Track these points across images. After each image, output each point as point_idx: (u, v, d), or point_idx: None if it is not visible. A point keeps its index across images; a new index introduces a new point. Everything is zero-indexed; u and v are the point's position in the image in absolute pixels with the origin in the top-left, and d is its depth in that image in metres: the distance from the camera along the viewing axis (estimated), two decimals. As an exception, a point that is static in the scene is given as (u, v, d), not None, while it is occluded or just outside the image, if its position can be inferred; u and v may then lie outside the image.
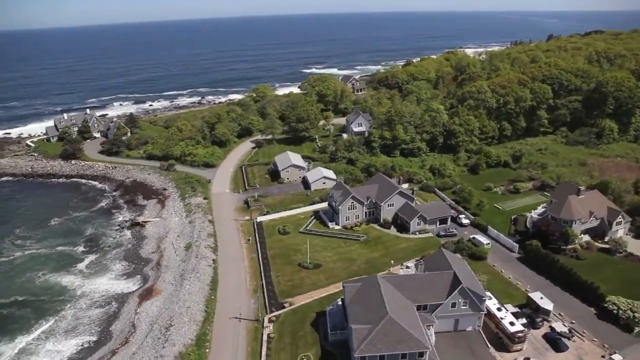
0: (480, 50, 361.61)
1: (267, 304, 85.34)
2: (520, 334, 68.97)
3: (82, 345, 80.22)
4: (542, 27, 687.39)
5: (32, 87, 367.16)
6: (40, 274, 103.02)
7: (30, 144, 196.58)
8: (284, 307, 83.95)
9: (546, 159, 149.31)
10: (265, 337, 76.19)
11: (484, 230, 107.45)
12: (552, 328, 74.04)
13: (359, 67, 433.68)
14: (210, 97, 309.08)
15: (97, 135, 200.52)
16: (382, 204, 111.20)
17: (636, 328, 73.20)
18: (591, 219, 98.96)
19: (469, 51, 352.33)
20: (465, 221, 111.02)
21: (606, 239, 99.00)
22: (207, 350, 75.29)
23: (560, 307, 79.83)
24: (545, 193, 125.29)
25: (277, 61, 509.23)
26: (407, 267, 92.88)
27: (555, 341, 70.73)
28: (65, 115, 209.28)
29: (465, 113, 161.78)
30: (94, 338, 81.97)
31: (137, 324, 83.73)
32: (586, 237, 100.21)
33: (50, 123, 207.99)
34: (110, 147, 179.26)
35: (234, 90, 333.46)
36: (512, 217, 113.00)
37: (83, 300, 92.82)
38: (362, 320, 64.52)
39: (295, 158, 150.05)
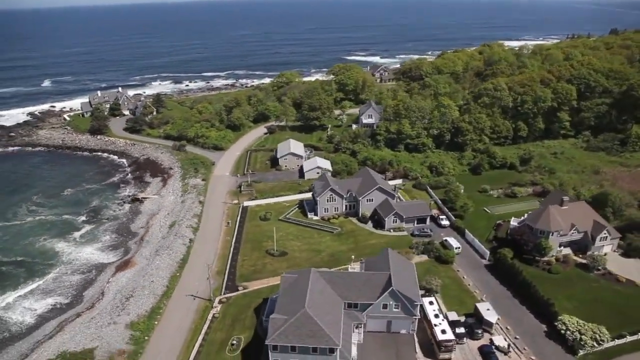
0: (530, 43, 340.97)
1: (223, 286, 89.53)
2: (447, 343, 67.97)
3: (54, 306, 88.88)
4: (614, 19, 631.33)
5: (83, 63, 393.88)
6: (42, 238, 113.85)
7: (67, 117, 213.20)
8: (237, 290, 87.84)
9: (558, 164, 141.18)
10: (210, 316, 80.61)
11: (462, 233, 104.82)
12: (491, 341, 72.20)
13: (401, 56, 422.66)
14: (243, 80, 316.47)
15: (127, 112, 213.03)
16: (360, 198, 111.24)
17: (581, 351, 69.71)
18: (572, 231, 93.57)
19: (517, 44, 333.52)
20: (444, 222, 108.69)
21: (588, 254, 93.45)
22: (155, 322, 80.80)
23: (512, 320, 77.45)
24: (542, 200, 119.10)
25: (322, 46, 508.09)
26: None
27: (488, 355, 69.01)
28: (99, 92, 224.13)
29: (477, 110, 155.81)
30: (67, 301, 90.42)
31: (105, 292, 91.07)
32: (567, 250, 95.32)
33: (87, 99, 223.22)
34: (133, 125, 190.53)
35: (270, 74, 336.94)
36: (497, 222, 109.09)
37: (68, 266, 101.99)
38: (283, 310, 66.57)
39: (296, 146, 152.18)
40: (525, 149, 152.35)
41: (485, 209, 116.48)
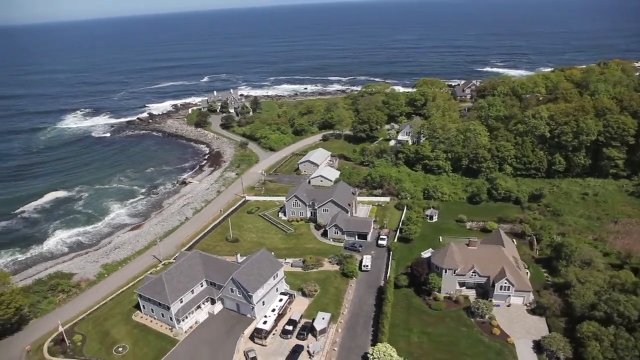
0: None
1: (177, 254, 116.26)
2: (260, 332, 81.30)
3: (80, 244, 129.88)
4: None
5: (241, 63, 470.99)
6: (110, 200, 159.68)
7: (190, 111, 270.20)
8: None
9: (577, 206, 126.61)
10: (150, 271, 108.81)
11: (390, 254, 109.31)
12: (309, 345, 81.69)
13: (545, 69, 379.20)
14: (355, 87, 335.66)
15: (232, 111, 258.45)
16: (317, 207, 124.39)
17: (371, 380, 74.02)
18: (470, 273, 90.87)
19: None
20: (381, 242, 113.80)
21: (491, 300, 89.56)
22: (120, 268, 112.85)
23: (349, 335, 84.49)
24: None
25: (467, 55, 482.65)
26: (286, 262, 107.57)
27: (294, 352, 79.52)
28: (215, 92, 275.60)
29: (504, 138, 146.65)
30: (88, 242, 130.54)
31: (112, 242, 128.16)
32: (470, 292, 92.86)
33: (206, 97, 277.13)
34: (225, 123, 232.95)
35: (387, 82, 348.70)
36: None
37: (107, 221, 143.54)
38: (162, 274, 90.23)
39: (318, 155, 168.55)
40: (557, 184, 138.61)
41: (441, 237, 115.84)
